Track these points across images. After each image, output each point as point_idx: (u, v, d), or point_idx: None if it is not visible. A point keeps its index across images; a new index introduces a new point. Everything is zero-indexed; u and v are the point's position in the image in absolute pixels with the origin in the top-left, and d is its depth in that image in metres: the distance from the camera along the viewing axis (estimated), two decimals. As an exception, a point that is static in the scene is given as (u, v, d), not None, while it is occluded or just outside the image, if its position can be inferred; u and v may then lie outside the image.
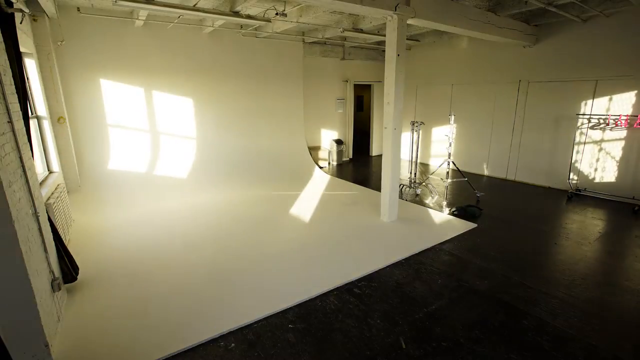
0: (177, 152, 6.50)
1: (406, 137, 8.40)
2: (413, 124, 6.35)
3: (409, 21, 4.53)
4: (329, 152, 9.07)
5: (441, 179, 7.10)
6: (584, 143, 6.16)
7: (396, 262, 3.74)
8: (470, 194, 6.23)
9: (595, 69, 5.89)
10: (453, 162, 5.93)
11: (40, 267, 2.45)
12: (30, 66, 4.50)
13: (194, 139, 6.69)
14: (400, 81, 4.53)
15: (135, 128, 6.04)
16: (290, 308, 2.93)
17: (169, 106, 6.33)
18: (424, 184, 6.75)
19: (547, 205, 5.78)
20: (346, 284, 3.30)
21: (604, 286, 3.30)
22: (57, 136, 5.07)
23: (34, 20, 4.61)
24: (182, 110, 6.49)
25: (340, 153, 9.17)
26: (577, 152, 6.21)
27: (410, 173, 6.53)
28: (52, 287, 2.64)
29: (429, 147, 9.05)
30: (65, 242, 3.58)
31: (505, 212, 5.43)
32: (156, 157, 6.29)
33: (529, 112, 6.90)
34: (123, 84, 5.80)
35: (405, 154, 8.31)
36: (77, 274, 3.22)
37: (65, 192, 4.54)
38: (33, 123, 4.28)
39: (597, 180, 6.08)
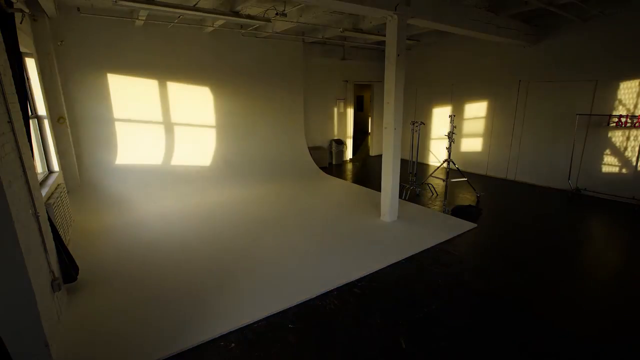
0: (175, 151, 6.50)
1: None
2: (413, 124, 6.34)
3: (409, 21, 4.53)
4: (329, 152, 9.08)
5: (442, 179, 7.09)
6: (584, 143, 6.15)
7: (396, 262, 3.73)
8: (470, 193, 6.24)
9: (595, 69, 5.88)
10: (453, 162, 5.92)
11: (40, 267, 2.44)
12: (30, 66, 4.50)
13: (202, 130, 6.70)
14: (400, 81, 4.52)
15: (132, 122, 6.05)
16: (290, 308, 2.93)
17: (168, 105, 6.33)
18: (424, 183, 6.74)
19: (547, 205, 5.78)
20: (346, 284, 3.30)
21: (605, 286, 3.30)
22: (57, 136, 5.07)
23: (34, 20, 4.61)
24: (181, 110, 6.50)
25: (340, 153, 9.17)
26: (577, 152, 6.20)
27: (410, 173, 6.53)
28: (52, 287, 2.64)
29: (429, 147, 9.05)
30: (65, 242, 3.58)
31: (505, 212, 5.43)
32: (153, 157, 6.29)
33: (529, 112, 6.90)
34: (123, 84, 5.80)
35: (405, 154, 8.30)
36: (77, 274, 3.22)
37: (65, 192, 4.54)
38: (33, 123, 4.29)
39: (597, 180, 6.07)
